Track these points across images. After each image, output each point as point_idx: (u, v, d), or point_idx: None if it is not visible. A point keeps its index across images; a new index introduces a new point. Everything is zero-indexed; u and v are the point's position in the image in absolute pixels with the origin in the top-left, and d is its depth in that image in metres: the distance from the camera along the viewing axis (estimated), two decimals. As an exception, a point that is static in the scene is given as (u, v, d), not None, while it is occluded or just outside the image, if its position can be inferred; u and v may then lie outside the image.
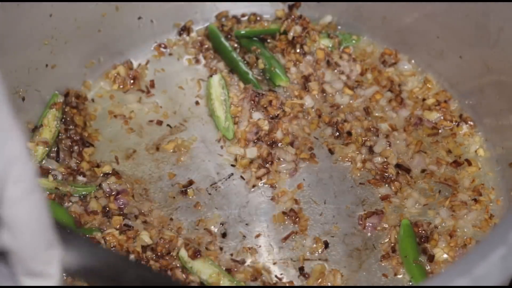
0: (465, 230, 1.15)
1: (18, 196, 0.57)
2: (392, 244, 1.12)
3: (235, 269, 1.10)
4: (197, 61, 1.39)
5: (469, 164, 1.21)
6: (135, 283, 0.71)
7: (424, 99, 1.31)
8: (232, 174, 1.23)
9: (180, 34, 1.42)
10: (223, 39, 1.39)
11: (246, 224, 1.16)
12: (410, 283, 1.08)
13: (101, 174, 1.21)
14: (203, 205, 1.19)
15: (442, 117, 1.27)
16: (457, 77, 1.30)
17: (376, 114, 1.30)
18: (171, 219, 1.16)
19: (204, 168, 1.24)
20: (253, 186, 1.21)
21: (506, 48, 1.15)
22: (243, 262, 1.11)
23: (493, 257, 0.73)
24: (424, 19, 1.30)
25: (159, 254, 1.09)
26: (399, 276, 1.09)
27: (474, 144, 1.25)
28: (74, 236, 0.66)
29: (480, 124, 1.26)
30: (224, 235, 1.15)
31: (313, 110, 1.30)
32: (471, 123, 1.27)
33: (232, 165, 1.24)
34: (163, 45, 1.41)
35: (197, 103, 1.33)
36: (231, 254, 1.12)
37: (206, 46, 1.40)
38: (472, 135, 1.26)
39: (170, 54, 1.41)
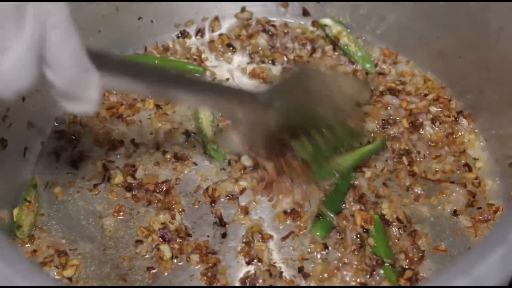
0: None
1: (58, 39, 0.68)
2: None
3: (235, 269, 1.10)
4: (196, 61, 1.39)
5: (469, 170, 1.22)
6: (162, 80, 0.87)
7: (425, 95, 1.31)
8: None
9: (178, 38, 1.42)
10: None
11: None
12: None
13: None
14: (203, 205, 1.19)
15: (439, 111, 1.28)
16: (457, 77, 1.30)
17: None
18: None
19: (204, 168, 1.24)
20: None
21: (506, 48, 1.15)
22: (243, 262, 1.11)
23: (493, 257, 0.73)
24: (424, 19, 1.30)
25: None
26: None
27: (474, 144, 1.25)
28: (109, 58, 0.79)
29: (479, 124, 1.26)
30: (224, 235, 1.15)
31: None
32: (471, 123, 1.27)
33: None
34: (162, 46, 1.41)
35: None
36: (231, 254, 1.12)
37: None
38: (472, 135, 1.26)
39: (171, 55, 1.41)
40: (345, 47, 1.38)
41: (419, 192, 1.18)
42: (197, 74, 1.34)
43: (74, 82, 0.71)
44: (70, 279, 1.09)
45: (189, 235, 1.13)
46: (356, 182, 1.19)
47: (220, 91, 1.01)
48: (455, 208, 1.16)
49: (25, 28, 0.64)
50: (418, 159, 1.22)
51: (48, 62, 0.68)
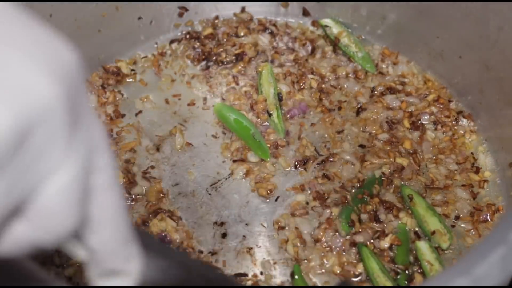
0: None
1: (102, 188, 0.52)
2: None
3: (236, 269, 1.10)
4: (198, 61, 1.39)
5: (476, 172, 1.22)
6: (201, 283, 0.68)
7: (425, 96, 1.31)
8: (232, 173, 1.23)
9: (179, 41, 1.41)
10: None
11: (246, 224, 1.16)
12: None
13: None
14: (203, 205, 1.19)
15: (438, 112, 1.28)
16: (457, 77, 1.30)
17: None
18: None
19: (204, 168, 1.24)
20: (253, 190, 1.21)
21: (506, 48, 1.15)
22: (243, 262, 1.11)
23: (493, 257, 0.73)
24: (424, 19, 1.30)
25: None
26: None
27: (474, 144, 1.25)
28: (145, 233, 0.63)
29: (480, 124, 1.26)
30: (224, 235, 1.15)
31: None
32: (471, 123, 1.27)
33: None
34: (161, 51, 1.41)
35: (195, 103, 1.33)
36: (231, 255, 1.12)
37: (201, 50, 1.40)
38: (472, 135, 1.26)
39: (170, 55, 1.40)
40: (346, 48, 1.38)
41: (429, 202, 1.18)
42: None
43: (115, 247, 0.55)
44: (70, 278, 1.09)
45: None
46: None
47: None
48: (459, 215, 1.16)
49: (73, 156, 0.48)
50: (423, 165, 1.22)
51: (89, 218, 0.53)
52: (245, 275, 1.09)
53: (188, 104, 1.33)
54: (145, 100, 1.33)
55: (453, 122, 1.27)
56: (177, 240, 1.11)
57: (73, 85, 0.49)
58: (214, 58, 1.38)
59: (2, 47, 0.45)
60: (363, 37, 1.42)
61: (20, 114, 0.43)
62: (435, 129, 1.27)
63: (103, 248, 0.55)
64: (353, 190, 1.18)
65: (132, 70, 1.36)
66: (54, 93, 0.46)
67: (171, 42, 1.41)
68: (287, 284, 1.09)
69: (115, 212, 0.54)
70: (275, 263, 1.12)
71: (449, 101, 1.31)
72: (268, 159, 1.23)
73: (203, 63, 1.38)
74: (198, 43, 1.39)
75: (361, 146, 1.25)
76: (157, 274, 0.62)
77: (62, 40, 0.53)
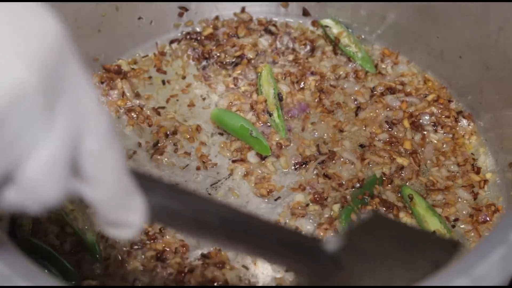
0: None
1: (96, 150, 0.56)
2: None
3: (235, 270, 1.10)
4: (198, 61, 1.39)
5: (477, 172, 1.22)
6: (215, 221, 0.70)
7: (425, 96, 1.32)
8: (232, 173, 1.23)
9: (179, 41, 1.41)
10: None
11: (246, 224, 1.16)
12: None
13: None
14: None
15: (439, 112, 1.28)
16: (457, 77, 1.30)
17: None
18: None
19: (203, 167, 1.24)
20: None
21: (506, 48, 1.15)
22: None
23: (493, 257, 0.73)
24: (424, 19, 1.30)
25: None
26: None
27: (474, 144, 1.25)
28: (153, 181, 0.65)
29: (480, 124, 1.26)
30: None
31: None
32: (471, 123, 1.27)
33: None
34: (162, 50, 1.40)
35: (195, 103, 1.33)
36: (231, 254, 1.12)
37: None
38: (472, 135, 1.26)
39: (170, 55, 1.40)
40: (346, 48, 1.38)
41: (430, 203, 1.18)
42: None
43: (116, 201, 0.60)
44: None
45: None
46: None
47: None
48: (459, 216, 1.16)
49: (55, 128, 0.53)
50: (424, 167, 1.22)
51: (86, 178, 0.57)
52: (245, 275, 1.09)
53: (188, 105, 1.33)
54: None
55: (453, 123, 1.27)
56: None
57: (54, 59, 0.52)
58: (214, 58, 1.38)
59: None
60: (363, 37, 1.42)
61: None
62: (435, 130, 1.26)
63: (103, 202, 0.59)
64: (353, 190, 1.18)
65: (133, 69, 1.36)
66: (28, 75, 0.49)
67: (171, 42, 1.41)
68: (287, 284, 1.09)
69: (113, 169, 0.58)
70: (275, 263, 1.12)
71: (449, 101, 1.31)
72: (269, 154, 1.23)
73: (203, 63, 1.38)
74: (198, 44, 1.39)
75: (361, 146, 1.25)
76: (165, 219, 0.66)
77: (44, 13, 0.57)
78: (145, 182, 0.63)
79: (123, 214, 0.61)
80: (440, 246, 0.88)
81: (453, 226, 1.15)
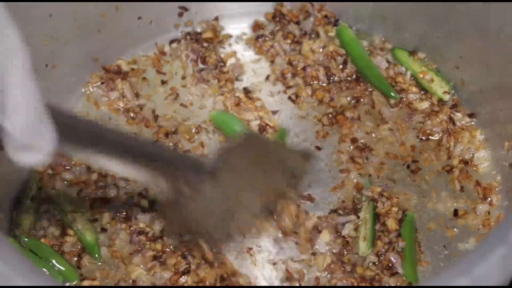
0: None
1: (16, 83, 0.65)
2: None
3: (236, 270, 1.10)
4: (196, 61, 1.39)
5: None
6: (114, 145, 0.83)
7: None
8: (232, 174, 1.23)
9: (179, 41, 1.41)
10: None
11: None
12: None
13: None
14: (203, 205, 1.19)
15: (439, 112, 1.28)
16: (457, 77, 1.30)
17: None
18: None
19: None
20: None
21: (506, 48, 1.15)
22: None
23: (493, 257, 0.73)
24: (424, 19, 1.30)
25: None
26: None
27: (474, 144, 1.25)
28: (61, 111, 0.74)
29: (480, 124, 1.26)
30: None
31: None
32: (471, 122, 1.27)
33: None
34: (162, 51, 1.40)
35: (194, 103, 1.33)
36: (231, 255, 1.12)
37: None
38: (472, 135, 1.26)
39: (170, 55, 1.40)
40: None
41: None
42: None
43: (29, 130, 0.68)
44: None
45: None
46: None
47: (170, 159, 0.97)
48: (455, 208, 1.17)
49: None
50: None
51: (4, 107, 0.66)
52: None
53: (187, 105, 1.33)
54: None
55: (453, 122, 1.27)
56: None
57: None
58: (213, 60, 1.37)
59: None
60: (363, 37, 1.41)
61: None
62: (435, 129, 1.27)
63: (18, 129, 0.67)
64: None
65: (132, 69, 1.36)
66: None
67: (171, 42, 1.41)
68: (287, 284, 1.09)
69: (28, 100, 0.67)
70: (275, 263, 1.12)
71: (450, 100, 1.31)
72: None
73: (200, 65, 1.38)
74: (197, 44, 1.39)
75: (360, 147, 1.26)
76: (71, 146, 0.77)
77: None
78: (57, 114, 0.71)
79: (35, 139, 0.68)
80: (297, 157, 1.14)
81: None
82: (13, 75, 0.65)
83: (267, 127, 1.27)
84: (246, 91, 1.33)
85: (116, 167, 0.84)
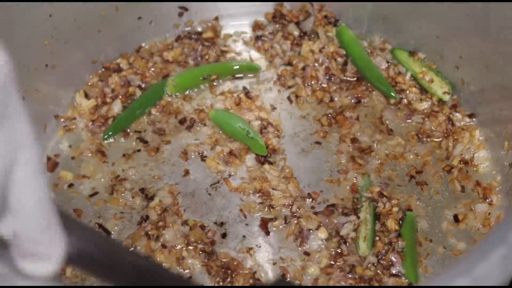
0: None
1: (24, 179, 0.58)
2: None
3: (235, 270, 1.10)
4: (197, 62, 1.39)
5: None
6: (131, 272, 0.72)
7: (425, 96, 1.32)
8: (232, 174, 1.23)
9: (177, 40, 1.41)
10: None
11: (246, 224, 1.16)
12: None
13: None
14: (203, 205, 1.19)
15: (439, 112, 1.28)
16: (457, 77, 1.30)
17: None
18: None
19: (203, 168, 1.24)
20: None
21: (506, 48, 1.15)
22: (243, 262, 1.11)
23: (493, 257, 0.73)
24: (424, 19, 1.30)
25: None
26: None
27: (474, 143, 1.25)
28: (75, 222, 0.66)
29: (480, 124, 1.26)
30: (224, 235, 1.15)
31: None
32: (471, 122, 1.27)
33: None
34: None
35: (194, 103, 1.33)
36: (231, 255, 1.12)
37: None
38: (472, 135, 1.26)
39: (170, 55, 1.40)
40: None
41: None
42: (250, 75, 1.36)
43: (38, 234, 0.61)
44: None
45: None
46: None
47: None
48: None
49: None
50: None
51: (11, 208, 0.58)
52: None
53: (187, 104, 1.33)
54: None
55: (452, 122, 1.27)
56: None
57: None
58: (213, 59, 1.38)
59: None
60: (362, 37, 1.41)
61: None
62: (435, 128, 1.27)
63: (24, 233, 0.60)
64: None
65: (131, 67, 1.36)
66: None
67: (171, 41, 1.41)
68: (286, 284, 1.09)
69: (37, 201, 0.59)
70: (275, 263, 1.12)
71: (449, 100, 1.31)
72: (265, 154, 1.23)
73: (203, 63, 1.38)
74: (197, 45, 1.39)
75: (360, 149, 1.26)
76: (79, 258, 0.66)
77: None
78: (67, 222, 0.63)
79: (42, 246, 0.61)
80: None
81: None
82: (21, 170, 0.58)
83: (268, 126, 1.27)
84: (246, 91, 1.33)
85: None
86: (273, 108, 1.32)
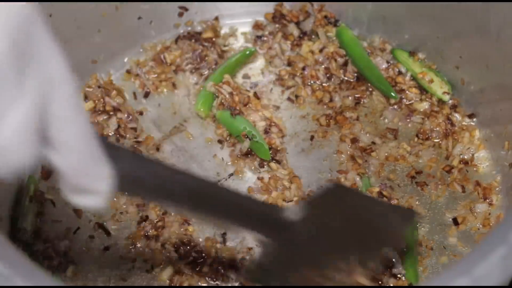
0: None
1: (63, 116, 0.58)
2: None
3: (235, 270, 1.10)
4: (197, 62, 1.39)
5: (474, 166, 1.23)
6: (183, 192, 0.73)
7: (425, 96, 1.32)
8: (232, 174, 1.23)
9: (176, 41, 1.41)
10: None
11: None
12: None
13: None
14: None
15: (439, 112, 1.28)
16: (457, 77, 1.30)
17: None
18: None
19: (204, 168, 1.24)
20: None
21: (506, 48, 1.15)
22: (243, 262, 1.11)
23: (493, 257, 0.73)
24: (424, 19, 1.30)
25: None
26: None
27: (474, 144, 1.25)
28: (119, 148, 0.66)
29: (480, 124, 1.26)
30: (224, 235, 1.15)
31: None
32: (471, 122, 1.27)
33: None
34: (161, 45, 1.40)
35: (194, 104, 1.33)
36: (231, 255, 1.12)
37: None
38: (472, 135, 1.26)
39: (170, 55, 1.40)
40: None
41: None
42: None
43: (83, 168, 0.61)
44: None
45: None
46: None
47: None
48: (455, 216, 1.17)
49: (25, 95, 0.54)
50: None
51: (53, 143, 0.58)
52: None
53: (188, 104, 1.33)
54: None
55: (452, 124, 1.27)
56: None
57: (22, 28, 0.55)
58: (212, 60, 1.37)
59: None
60: (362, 37, 1.41)
61: None
62: (434, 129, 1.27)
63: (70, 168, 0.60)
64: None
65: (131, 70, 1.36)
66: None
67: (171, 42, 1.41)
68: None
69: (78, 134, 0.59)
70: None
71: (449, 100, 1.31)
72: (269, 159, 1.22)
73: (202, 64, 1.38)
74: (197, 45, 1.39)
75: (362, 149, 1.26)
76: (131, 187, 0.68)
77: None
78: (112, 151, 0.64)
79: (90, 180, 0.62)
80: (396, 218, 0.96)
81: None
82: (59, 106, 0.57)
83: (273, 126, 1.26)
84: (254, 90, 1.33)
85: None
86: (277, 108, 1.31)
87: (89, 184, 0.62)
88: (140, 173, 0.68)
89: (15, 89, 0.54)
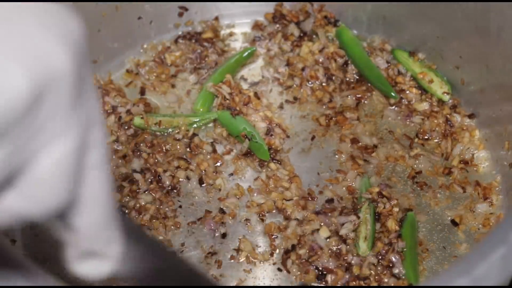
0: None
1: (95, 165, 0.51)
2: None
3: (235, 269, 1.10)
4: (197, 62, 1.39)
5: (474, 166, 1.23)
6: (176, 278, 0.69)
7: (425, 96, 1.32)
8: (232, 174, 1.23)
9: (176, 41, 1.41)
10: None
11: (246, 224, 1.17)
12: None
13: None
14: (203, 205, 1.19)
15: (439, 112, 1.28)
16: (457, 77, 1.30)
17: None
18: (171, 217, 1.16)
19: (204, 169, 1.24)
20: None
21: (506, 48, 1.15)
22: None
23: (493, 257, 0.73)
24: (424, 19, 1.30)
25: None
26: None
27: (474, 143, 1.25)
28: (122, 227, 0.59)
29: (480, 124, 1.26)
30: (224, 235, 1.15)
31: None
32: (471, 122, 1.27)
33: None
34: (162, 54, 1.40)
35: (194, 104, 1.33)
36: (231, 255, 1.12)
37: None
38: (472, 135, 1.26)
39: (170, 55, 1.40)
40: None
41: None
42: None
43: (98, 229, 0.54)
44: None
45: None
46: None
47: None
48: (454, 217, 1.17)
49: (71, 129, 0.48)
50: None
51: (76, 198, 0.51)
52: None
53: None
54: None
55: (451, 124, 1.27)
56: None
57: (80, 55, 0.50)
58: (212, 61, 1.38)
59: (19, 16, 0.46)
60: (362, 37, 1.41)
61: (35, 78, 0.44)
62: (434, 128, 1.27)
63: (87, 228, 0.53)
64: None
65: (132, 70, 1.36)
66: (66, 62, 0.47)
67: (171, 42, 1.41)
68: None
69: (103, 193, 0.53)
70: (274, 263, 1.12)
71: (449, 100, 1.31)
72: (268, 159, 1.22)
73: (202, 64, 1.38)
74: (197, 45, 1.39)
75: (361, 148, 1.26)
76: (132, 261, 0.61)
77: (70, 12, 0.53)
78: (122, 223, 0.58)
79: (103, 243, 0.55)
80: None
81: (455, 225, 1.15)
82: (92, 154, 0.51)
83: (276, 126, 1.26)
84: (255, 90, 1.33)
85: None
86: (277, 108, 1.31)
87: (102, 247, 0.55)
88: (142, 249, 0.63)
89: (66, 120, 0.47)
